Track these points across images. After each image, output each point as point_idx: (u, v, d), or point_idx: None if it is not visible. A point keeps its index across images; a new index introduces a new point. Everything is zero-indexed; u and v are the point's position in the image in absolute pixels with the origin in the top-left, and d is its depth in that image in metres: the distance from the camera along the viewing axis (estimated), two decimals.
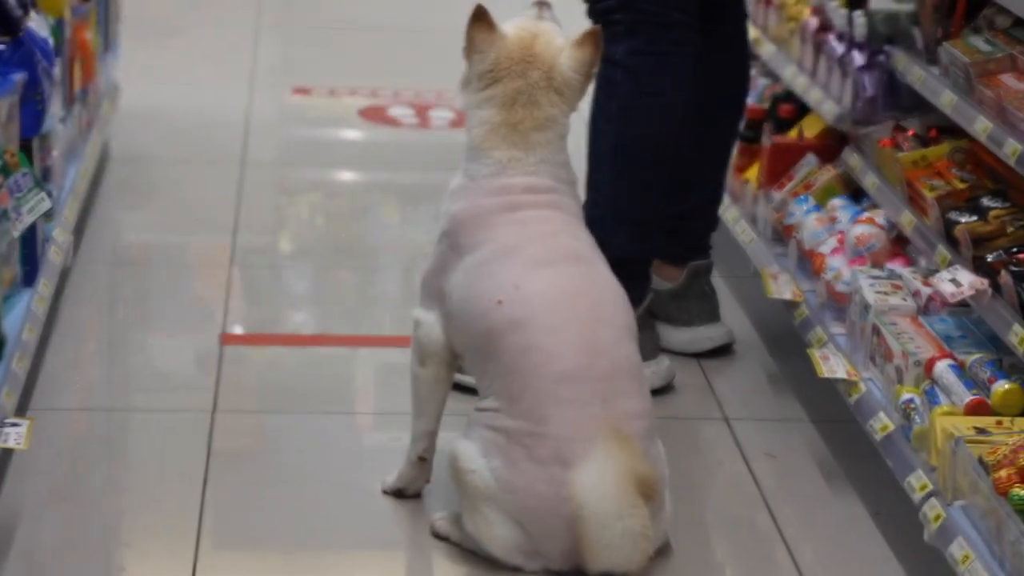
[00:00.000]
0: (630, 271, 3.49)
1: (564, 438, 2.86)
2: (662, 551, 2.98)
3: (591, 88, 3.32)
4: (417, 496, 3.20)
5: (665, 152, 3.67)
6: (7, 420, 2.98)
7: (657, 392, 3.58)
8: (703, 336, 3.87)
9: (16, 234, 3.33)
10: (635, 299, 3.39)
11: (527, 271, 2.97)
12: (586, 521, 2.82)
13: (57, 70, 3.81)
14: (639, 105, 3.59)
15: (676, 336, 3.86)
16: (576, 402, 2.88)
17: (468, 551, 2.98)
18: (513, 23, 3.08)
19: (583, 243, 3.06)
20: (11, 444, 2.92)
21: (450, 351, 3.08)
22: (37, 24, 3.68)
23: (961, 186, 3.38)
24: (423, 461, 3.18)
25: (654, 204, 3.67)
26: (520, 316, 2.93)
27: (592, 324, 2.96)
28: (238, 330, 3.96)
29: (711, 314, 3.90)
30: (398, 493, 3.22)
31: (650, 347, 3.61)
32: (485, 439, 2.91)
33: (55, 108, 3.80)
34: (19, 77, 3.46)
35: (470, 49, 3.07)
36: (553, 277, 2.98)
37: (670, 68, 3.62)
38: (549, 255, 3.00)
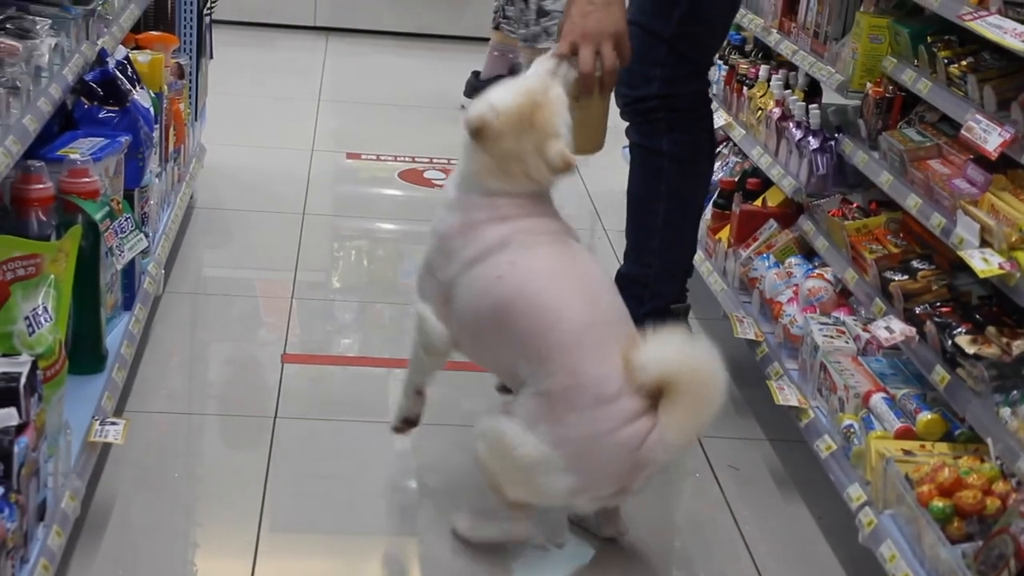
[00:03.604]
0: (672, 316, 3.63)
1: (598, 378, 2.70)
2: (633, 546, 2.94)
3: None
4: (416, 423, 3.13)
5: (701, 212, 3.76)
6: (108, 419, 2.99)
7: None
8: None
9: (119, 267, 3.35)
10: None
11: (519, 251, 2.84)
12: (676, 380, 2.64)
13: (156, 134, 3.83)
14: (684, 185, 3.59)
15: None
16: (597, 345, 2.73)
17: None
18: (525, 84, 2.89)
19: (568, 229, 2.94)
20: (110, 439, 2.93)
21: (450, 341, 2.96)
22: (141, 96, 3.70)
23: (895, 250, 3.39)
24: (419, 394, 3.11)
25: (693, 254, 3.72)
26: (521, 282, 2.80)
27: (585, 280, 2.86)
28: (296, 351, 3.97)
29: None
30: (405, 422, 3.14)
31: None
32: (528, 410, 2.74)
33: (153, 165, 3.82)
34: (125, 139, 3.48)
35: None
36: (544, 252, 2.86)
37: (705, 151, 3.65)
38: (538, 238, 2.87)
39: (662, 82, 3.48)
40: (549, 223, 2.92)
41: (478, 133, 2.83)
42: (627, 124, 3.64)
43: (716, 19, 3.55)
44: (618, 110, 3.57)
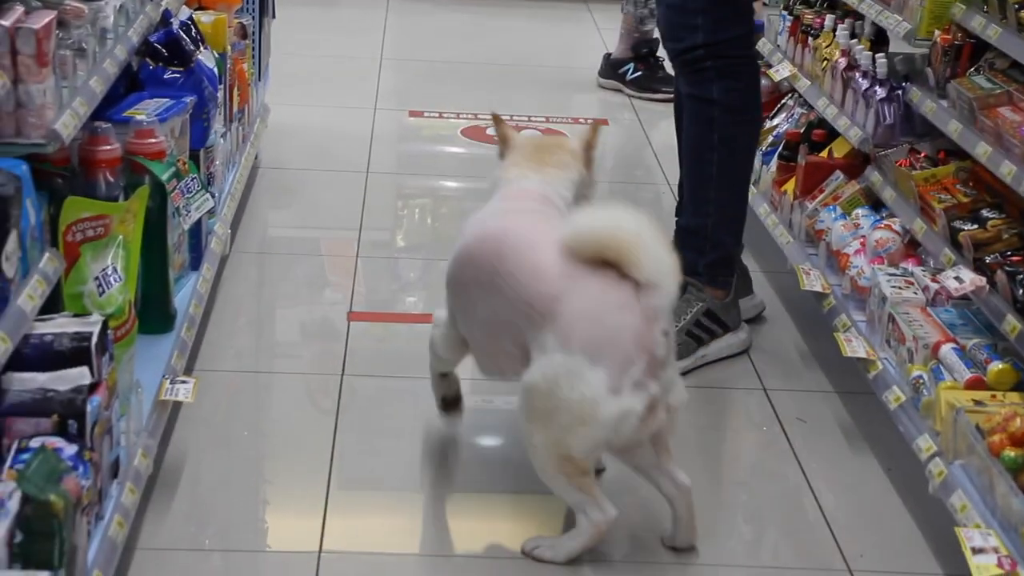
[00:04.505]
0: (730, 267, 3.70)
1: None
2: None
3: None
4: (458, 401, 3.18)
5: (753, 158, 3.82)
6: (178, 378, 3.03)
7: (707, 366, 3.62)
8: (744, 307, 3.85)
9: (186, 227, 3.38)
10: (727, 285, 3.66)
11: (503, 217, 2.88)
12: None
13: (220, 94, 3.85)
14: (737, 132, 3.62)
15: None
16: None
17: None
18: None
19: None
20: (181, 397, 2.96)
21: (457, 343, 2.99)
22: (205, 57, 3.71)
23: (965, 199, 3.35)
24: (445, 377, 3.15)
25: (746, 204, 3.75)
26: (502, 244, 2.79)
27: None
28: (362, 308, 3.98)
29: (746, 288, 3.90)
30: (444, 402, 3.17)
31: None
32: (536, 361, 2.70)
33: (218, 125, 3.84)
34: (190, 99, 3.49)
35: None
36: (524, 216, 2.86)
37: (754, 97, 3.68)
38: (520, 204, 2.89)
39: (706, 30, 3.51)
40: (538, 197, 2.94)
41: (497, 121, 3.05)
42: (676, 75, 3.64)
43: None
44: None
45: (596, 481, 2.81)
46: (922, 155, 3.68)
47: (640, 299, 2.67)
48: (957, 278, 3.09)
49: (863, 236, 3.72)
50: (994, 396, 2.90)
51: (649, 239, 2.68)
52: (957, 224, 3.23)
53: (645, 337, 2.66)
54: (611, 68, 6.31)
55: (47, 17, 2.58)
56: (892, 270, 3.49)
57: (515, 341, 2.78)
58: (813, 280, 3.75)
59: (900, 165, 3.66)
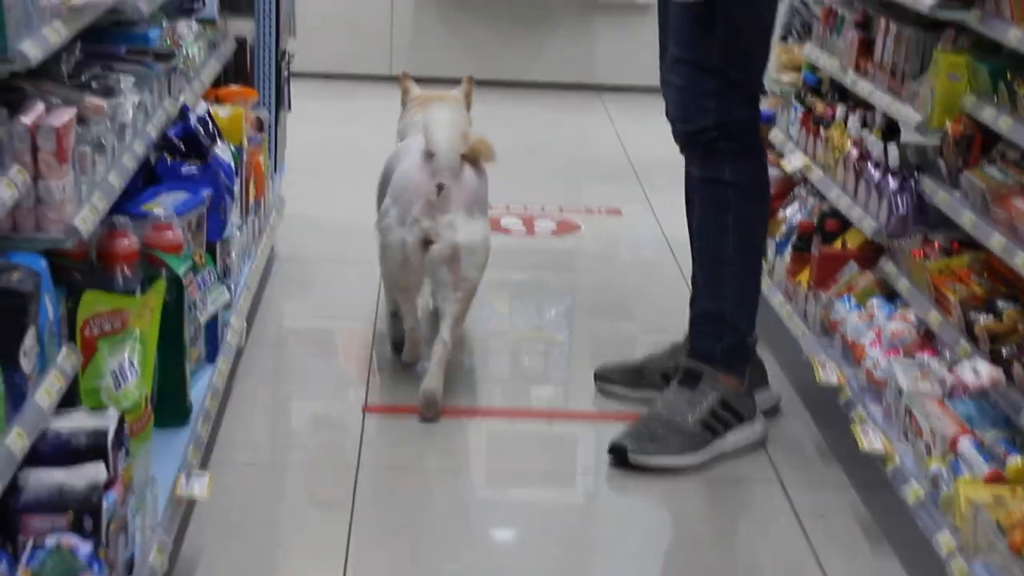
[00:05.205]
0: (745, 353, 3.70)
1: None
2: None
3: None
4: (401, 347, 4.14)
5: (766, 240, 3.89)
6: (193, 472, 3.01)
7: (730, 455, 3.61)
8: (759, 399, 3.84)
9: (202, 320, 3.38)
10: (742, 373, 3.67)
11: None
12: None
13: (236, 187, 3.87)
14: (751, 212, 3.67)
15: None
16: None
17: None
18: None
19: None
20: (196, 494, 2.95)
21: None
22: (222, 150, 3.75)
23: (980, 291, 3.34)
24: (395, 317, 4.17)
25: (760, 287, 3.79)
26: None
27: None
28: (377, 401, 3.97)
29: (762, 381, 3.89)
30: (393, 345, 4.19)
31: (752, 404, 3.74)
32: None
33: (234, 217, 3.86)
34: (207, 193, 3.52)
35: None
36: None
37: (765, 177, 3.75)
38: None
39: (717, 112, 3.56)
40: None
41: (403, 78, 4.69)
42: (686, 161, 3.67)
43: (755, 39, 3.62)
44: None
45: (414, 304, 4.04)
46: (936, 245, 3.67)
47: (426, 164, 3.84)
48: (974, 370, 3.08)
49: (878, 327, 3.71)
50: (1014, 491, 2.86)
51: (436, 124, 3.88)
52: (972, 315, 3.22)
53: (423, 187, 3.82)
54: None
55: (68, 114, 2.61)
56: (908, 361, 3.47)
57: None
58: (829, 372, 3.73)
59: (914, 255, 3.66)
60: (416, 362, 4.10)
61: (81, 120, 2.74)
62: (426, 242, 3.81)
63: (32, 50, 2.44)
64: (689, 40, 3.56)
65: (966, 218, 3.36)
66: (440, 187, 3.79)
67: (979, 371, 3.05)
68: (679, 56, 3.58)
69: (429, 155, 3.82)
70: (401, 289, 3.98)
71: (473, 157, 3.92)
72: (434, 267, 3.83)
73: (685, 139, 3.65)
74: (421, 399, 3.78)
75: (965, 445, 3.04)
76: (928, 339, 3.60)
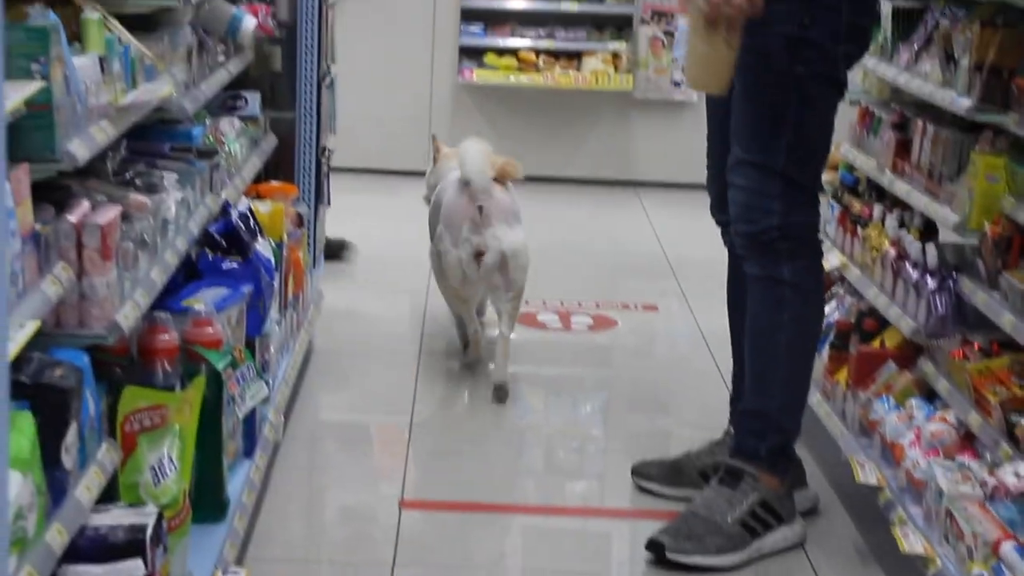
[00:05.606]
0: (789, 454, 3.70)
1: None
2: None
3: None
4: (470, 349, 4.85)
5: (818, 341, 3.86)
6: (230, 569, 3.00)
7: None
8: (797, 499, 3.81)
9: (240, 416, 3.39)
10: (784, 473, 3.65)
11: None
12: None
13: (276, 282, 3.90)
14: (806, 312, 3.66)
15: None
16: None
17: None
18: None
19: None
20: None
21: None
22: (262, 246, 3.78)
23: (1020, 392, 3.32)
24: (460, 322, 4.97)
25: (809, 388, 3.77)
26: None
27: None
28: (413, 496, 3.96)
29: (800, 481, 3.86)
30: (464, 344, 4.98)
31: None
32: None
33: (273, 313, 3.88)
34: (247, 289, 3.54)
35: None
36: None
37: (822, 279, 3.74)
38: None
39: (781, 213, 3.56)
40: None
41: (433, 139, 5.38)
42: (745, 259, 3.64)
43: (819, 142, 3.63)
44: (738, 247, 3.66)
45: (473, 311, 4.88)
46: (976, 346, 3.65)
47: (465, 191, 4.63)
48: (1016, 473, 3.04)
49: (918, 427, 3.68)
50: None
51: (468, 156, 4.67)
52: (1013, 417, 3.20)
53: (466, 211, 4.62)
54: None
55: (112, 212, 2.64)
56: (948, 463, 3.43)
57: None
58: (868, 473, 3.70)
59: (953, 356, 3.64)
60: (478, 360, 4.92)
61: (125, 217, 2.77)
62: (478, 255, 4.61)
63: (79, 150, 2.48)
64: (756, 143, 3.55)
65: (1006, 319, 3.34)
66: (480, 208, 4.59)
67: (1021, 474, 3.02)
68: (743, 158, 3.55)
69: (465, 183, 4.63)
70: (461, 301, 4.78)
71: (502, 177, 4.73)
72: (488, 274, 4.64)
73: (746, 239, 3.62)
74: (493, 389, 4.65)
75: (1007, 549, 2.99)
76: (968, 440, 3.56)
